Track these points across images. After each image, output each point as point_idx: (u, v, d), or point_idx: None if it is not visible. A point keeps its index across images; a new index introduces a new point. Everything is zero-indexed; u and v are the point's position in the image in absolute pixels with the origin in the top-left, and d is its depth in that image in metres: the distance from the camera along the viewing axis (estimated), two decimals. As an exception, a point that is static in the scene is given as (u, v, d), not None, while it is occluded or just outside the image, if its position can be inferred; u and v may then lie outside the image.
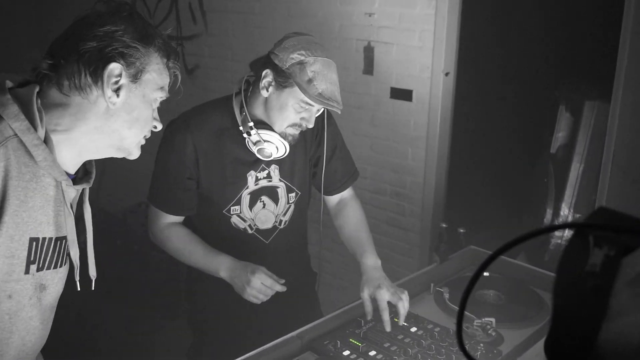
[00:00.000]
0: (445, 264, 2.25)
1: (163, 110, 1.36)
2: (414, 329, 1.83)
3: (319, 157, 2.04)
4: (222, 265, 1.85)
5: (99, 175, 1.41)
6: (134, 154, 1.32)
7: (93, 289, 1.38)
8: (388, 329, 1.76)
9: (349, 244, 2.02)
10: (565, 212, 2.94)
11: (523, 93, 3.52)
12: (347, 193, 2.13)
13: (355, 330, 1.82)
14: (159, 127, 1.34)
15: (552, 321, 0.53)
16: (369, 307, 1.82)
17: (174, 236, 1.92)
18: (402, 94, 3.07)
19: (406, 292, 1.82)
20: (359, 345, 1.72)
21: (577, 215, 2.92)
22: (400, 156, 3.15)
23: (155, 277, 3.80)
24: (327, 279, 3.07)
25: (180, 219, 1.96)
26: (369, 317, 1.82)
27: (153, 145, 1.93)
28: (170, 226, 1.94)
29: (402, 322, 1.79)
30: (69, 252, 1.33)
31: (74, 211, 1.32)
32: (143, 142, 1.32)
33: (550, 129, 3.03)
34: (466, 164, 3.28)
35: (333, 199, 2.13)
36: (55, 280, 1.30)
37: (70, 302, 1.41)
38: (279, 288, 1.80)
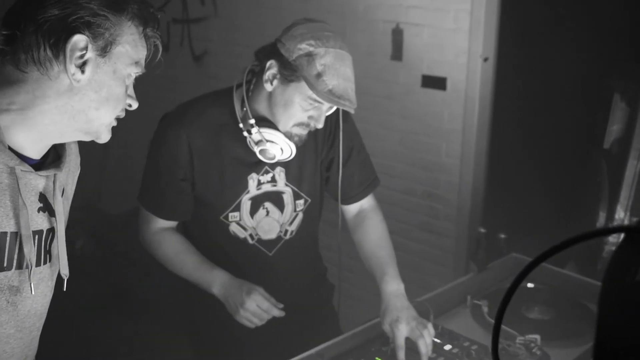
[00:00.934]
0: (484, 274, 2.25)
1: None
2: (448, 347, 1.83)
3: (332, 159, 2.00)
4: (215, 281, 1.86)
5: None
6: (103, 137, 1.28)
7: (65, 289, 1.35)
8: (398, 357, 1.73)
9: (367, 264, 1.99)
10: (621, 216, 2.91)
11: (572, 81, 3.49)
12: (366, 203, 2.09)
13: (382, 348, 1.83)
14: (134, 105, 1.29)
15: (597, 333, 0.53)
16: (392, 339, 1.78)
17: (165, 243, 1.93)
18: (435, 82, 3.07)
19: (430, 326, 1.78)
20: (386, 364, 1.74)
21: (634, 219, 2.89)
22: (433, 152, 3.15)
23: (158, 287, 3.82)
24: (349, 290, 3.07)
25: (172, 224, 1.97)
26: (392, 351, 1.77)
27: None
28: (161, 232, 1.94)
29: None
30: (51, 250, 1.30)
31: (54, 202, 1.28)
32: (114, 123, 1.28)
33: (603, 121, 3.00)
34: (507, 161, 3.26)
35: (351, 210, 2.09)
36: (33, 282, 1.27)
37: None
38: (276, 313, 1.82)
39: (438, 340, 1.85)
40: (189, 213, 1.95)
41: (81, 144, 1.40)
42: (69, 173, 1.40)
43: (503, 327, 1.86)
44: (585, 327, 1.94)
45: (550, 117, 3.45)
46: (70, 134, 1.26)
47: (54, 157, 1.32)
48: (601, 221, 2.96)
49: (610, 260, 0.57)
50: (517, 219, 3.01)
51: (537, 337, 1.83)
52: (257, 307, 1.80)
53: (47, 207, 1.29)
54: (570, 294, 2.15)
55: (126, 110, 1.30)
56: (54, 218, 1.30)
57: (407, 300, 1.83)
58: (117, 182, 4.53)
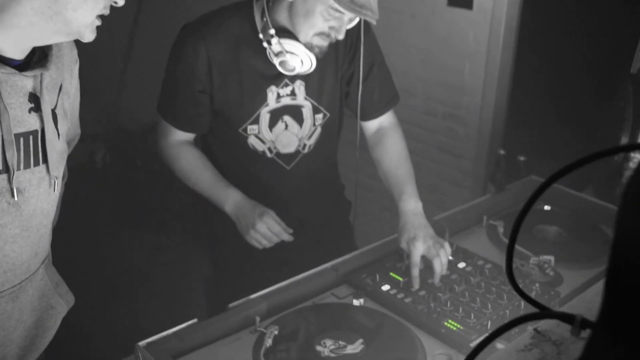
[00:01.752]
0: (502, 195, 2.24)
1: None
2: (462, 265, 1.85)
3: (352, 74, 1.98)
4: (229, 200, 1.87)
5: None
6: (87, 37, 1.24)
7: (55, 191, 1.37)
8: (416, 286, 1.74)
9: (386, 182, 1.98)
10: (644, 141, 2.87)
11: (602, 4, 3.38)
12: (386, 120, 2.07)
13: (397, 264, 1.84)
14: (120, 2, 1.25)
15: (612, 254, 0.53)
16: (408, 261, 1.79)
17: (182, 157, 1.94)
18: (461, 1, 2.99)
19: (447, 246, 1.78)
20: (400, 280, 1.76)
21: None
22: (456, 73, 3.10)
23: (178, 200, 3.88)
24: (365, 208, 3.08)
25: (191, 136, 1.97)
26: (413, 283, 1.76)
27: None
28: (179, 145, 1.95)
29: (437, 281, 1.75)
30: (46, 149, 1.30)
31: (42, 101, 1.27)
32: (98, 22, 1.25)
33: (631, 44, 2.92)
34: (531, 83, 3.21)
35: (370, 126, 2.07)
36: (33, 182, 1.29)
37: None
38: (286, 237, 1.85)
39: (452, 258, 1.86)
40: (207, 125, 1.94)
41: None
42: (64, 68, 1.37)
43: (517, 247, 1.87)
44: (600, 249, 1.94)
45: (576, 38, 3.37)
46: (50, 35, 1.23)
47: (40, 55, 1.29)
48: (623, 146, 2.92)
49: (630, 177, 0.56)
50: (537, 142, 2.98)
51: (551, 258, 1.84)
52: (267, 230, 1.82)
53: (39, 107, 1.28)
54: (587, 217, 2.15)
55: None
56: None
57: (424, 219, 1.83)
58: (137, 96, 4.52)
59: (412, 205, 1.86)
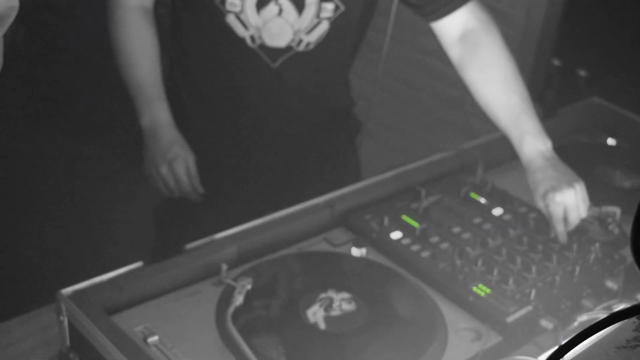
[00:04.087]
0: (553, 120, 2.21)
1: None
2: (498, 211, 1.83)
3: None
4: (148, 115, 1.93)
5: None
6: None
7: None
8: (563, 240, 1.72)
9: (492, 115, 1.90)
10: None
11: None
12: (472, 18, 1.93)
13: (412, 204, 1.81)
14: None
15: None
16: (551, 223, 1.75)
17: (128, 29, 1.96)
18: None
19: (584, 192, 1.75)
20: (416, 227, 1.73)
21: None
22: (499, -49, 3.03)
23: (110, 98, 3.78)
24: (379, 131, 3.03)
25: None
26: (560, 239, 1.74)
27: None
28: (130, 13, 1.96)
29: (564, 238, 1.73)
30: None
31: None
32: None
33: None
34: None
35: (449, 32, 1.94)
36: None
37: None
38: (193, 197, 1.93)
39: (485, 201, 1.84)
40: None
41: None
42: None
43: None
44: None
45: None
46: None
47: None
48: None
49: None
50: (601, 53, 2.94)
51: (617, 210, 1.82)
52: (172, 180, 1.89)
53: None
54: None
55: None
56: None
57: (560, 162, 1.80)
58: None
59: (540, 146, 1.82)
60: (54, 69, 4.19)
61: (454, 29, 1.95)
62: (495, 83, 1.90)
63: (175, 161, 1.88)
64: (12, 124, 3.84)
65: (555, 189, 1.73)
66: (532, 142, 1.82)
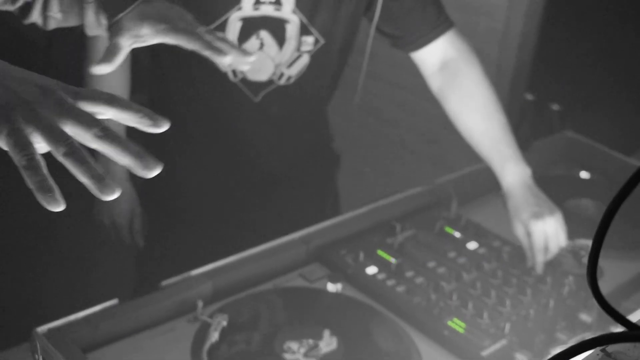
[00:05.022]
0: (527, 154, 2.19)
1: None
2: (472, 245, 1.84)
3: None
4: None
5: None
6: None
7: None
8: (540, 270, 1.75)
9: (472, 142, 1.93)
10: None
11: None
12: (451, 48, 1.96)
13: (387, 239, 1.82)
14: None
15: None
16: (528, 252, 1.79)
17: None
18: None
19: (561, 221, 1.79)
20: (391, 261, 1.74)
21: None
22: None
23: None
24: (356, 163, 3.05)
25: None
26: (532, 266, 1.78)
27: None
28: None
29: (540, 269, 1.77)
30: None
31: None
32: None
33: None
34: (569, 12, 3.18)
35: (429, 62, 1.97)
36: None
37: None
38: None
39: (459, 235, 1.85)
40: None
41: None
42: None
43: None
44: (652, 235, 1.94)
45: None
46: None
47: None
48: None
49: None
50: (574, 87, 2.97)
51: (589, 243, 1.81)
52: (113, 232, 2.08)
53: None
54: (639, 190, 2.14)
55: None
56: None
57: (538, 189, 1.84)
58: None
59: (521, 172, 1.86)
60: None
61: (433, 58, 1.98)
62: (475, 111, 1.94)
63: (120, 216, 2.01)
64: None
65: (537, 215, 1.76)
66: (513, 168, 1.85)
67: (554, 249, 1.77)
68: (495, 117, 1.92)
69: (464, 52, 1.97)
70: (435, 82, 1.99)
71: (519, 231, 1.79)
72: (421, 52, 1.97)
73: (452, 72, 1.96)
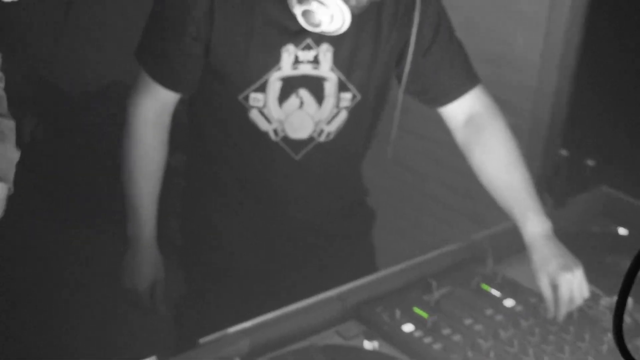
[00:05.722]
0: (562, 211, 2.23)
1: None
2: (509, 303, 1.84)
3: (406, 42, 1.93)
4: (133, 230, 2.04)
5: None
6: None
7: None
8: (560, 321, 1.77)
9: (495, 194, 1.96)
10: None
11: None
12: (478, 104, 2.01)
13: (424, 296, 1.83)
14: None
15: None
16: (551, 304, 1.80)
17: (141, 141, 1.98)
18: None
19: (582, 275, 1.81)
20: (427, 318, 1.74)
21: None
22: (503, 41, 3.09)
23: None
24: (390, 220, 3.06)
25: (172, 99, 1.96)
26: (554, 317, 1.79)
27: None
28: (145, 138, 1.98)
29: (561, 319, 1.79)
30: None
31: None
32: None
33: None
34: (605, 64, 3.19)
35: (455, 116, 2.01)
36: None
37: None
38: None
39: (498, 293, 1.85)
40: (194, 84, 1.93)
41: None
42: None
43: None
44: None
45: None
46: None
47: None
48: None
49: None
50: (610, 142, 2.96)
51: (629, 299, 1.82)
52: (134, 299, 2.06)
53: None
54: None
55: None
56: None
57: (559, 242, 1.86)
58: (81, 46, 4.46)
59: (539, 225, 1.87)
60: (70, 164, 4.20)
61: (459, 113, 2.02)
62: (498, 164, 1.97)
63: (141, 282, 2.03)
64: (26, 217, 3.85)
65: (564, 267, 1.78)
66: (535, 220, 1.87)
67: (578, 300, 1.78)
68: (517, 170, 1.96)
69: (489, 107, 2.02)
70: (460, 135, 2.03)
71: (543, 282, 1.80)
72: (448, 107, 2.02)
73: (476, 126, 2.00)
